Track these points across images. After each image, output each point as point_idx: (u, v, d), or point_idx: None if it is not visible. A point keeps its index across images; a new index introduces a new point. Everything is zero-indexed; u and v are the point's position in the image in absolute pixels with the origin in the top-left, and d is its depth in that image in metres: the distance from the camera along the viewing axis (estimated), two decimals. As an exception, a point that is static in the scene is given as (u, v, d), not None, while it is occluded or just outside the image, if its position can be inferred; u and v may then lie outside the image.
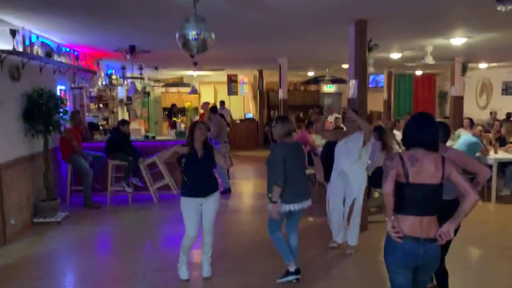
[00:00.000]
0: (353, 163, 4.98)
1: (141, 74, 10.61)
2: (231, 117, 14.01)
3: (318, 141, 9.08)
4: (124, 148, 7.60)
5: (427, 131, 2.74)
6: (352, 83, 5.98)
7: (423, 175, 2.67)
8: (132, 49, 8.20)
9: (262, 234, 5.50)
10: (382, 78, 16.10)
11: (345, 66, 12.10)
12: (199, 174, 4.21)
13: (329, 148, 7.33)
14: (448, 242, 3.14)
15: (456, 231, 2.96)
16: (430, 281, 3.70)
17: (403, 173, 2.68)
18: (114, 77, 10.85)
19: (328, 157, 7.18)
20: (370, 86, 14.85)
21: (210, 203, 4.31)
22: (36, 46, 6.17)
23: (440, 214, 2.75)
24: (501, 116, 12.61)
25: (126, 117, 12.25)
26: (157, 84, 14.97)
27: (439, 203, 2.74)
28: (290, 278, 4.32)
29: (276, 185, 4.03)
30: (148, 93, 13.75)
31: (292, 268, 4.33)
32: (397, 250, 2.73)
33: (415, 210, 2.69)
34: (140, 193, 8.02)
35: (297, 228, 4.43)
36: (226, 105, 14.54)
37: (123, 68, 10.84)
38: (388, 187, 2.69)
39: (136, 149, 7.87)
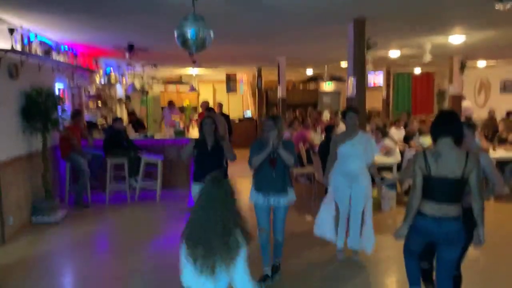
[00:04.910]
0: (363, 166, 4.83)
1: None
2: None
3: (316, 139, 9.09)
4: (121, 145, 7.59)
5: (454, 122, 3.11)
6: (351, 80, 5.98)
7: (445, 169, 3.00)
8: (130, 47, 8.18)
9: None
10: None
11: (344, 64, 12.09)
12: (209, 163, 4.55)
13: (327, 144, 7.36)
14: (464, 249, 3.43)
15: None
16: None
17: (425, 167, 3.04)
18: (112, 75, 10.83)
19: (326, 154, 7.19)
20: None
21: None
22: (34, 45, 6.15)
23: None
24: (501, 114, 12.58)
25: (125, 116, 12.23)
26: (155, 80, 14.93)
27: (461, 194, 3.07)
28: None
29: None
30: (147, 92, 13.73)
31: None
32: (417, 227, 3.16)
33: (436, 198, 3.06)
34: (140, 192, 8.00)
35: None
36: (224, 107, 14.22)
37: (129, 64, 10.77)
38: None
39: (134, 143, 7.88)
